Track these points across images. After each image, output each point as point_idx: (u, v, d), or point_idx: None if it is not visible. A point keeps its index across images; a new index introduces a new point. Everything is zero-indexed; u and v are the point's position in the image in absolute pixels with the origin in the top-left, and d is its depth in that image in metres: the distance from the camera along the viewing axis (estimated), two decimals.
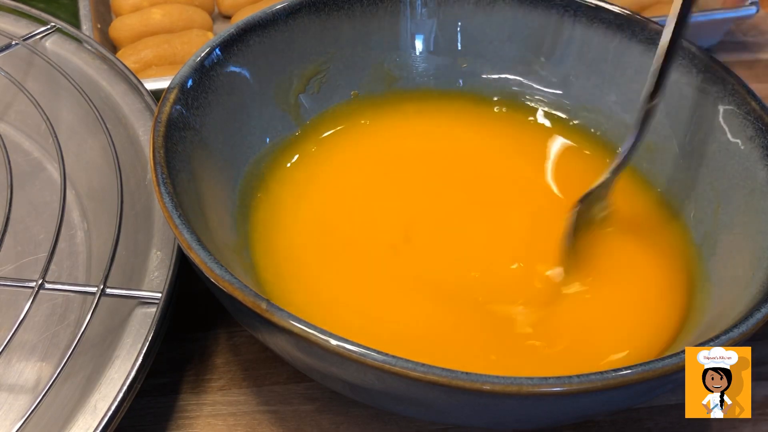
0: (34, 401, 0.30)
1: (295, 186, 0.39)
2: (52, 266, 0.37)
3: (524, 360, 0.33)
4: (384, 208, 0.39)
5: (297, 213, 0.38)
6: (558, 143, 0.43)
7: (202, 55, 0.37)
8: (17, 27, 0.47)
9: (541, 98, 0.44)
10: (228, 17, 0.61)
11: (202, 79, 0.36)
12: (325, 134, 0.42)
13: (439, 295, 0.35)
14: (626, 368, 0.25)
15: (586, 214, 0.37)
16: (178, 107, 0.35)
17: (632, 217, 0.39)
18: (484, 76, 0.45)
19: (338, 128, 0.42)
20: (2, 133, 0.42)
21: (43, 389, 0.31)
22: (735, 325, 0.28)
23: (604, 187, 0.37)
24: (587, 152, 0.42)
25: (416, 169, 0.41)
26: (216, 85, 0.37)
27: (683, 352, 0.26)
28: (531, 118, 0.44)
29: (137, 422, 0.35)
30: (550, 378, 0.25)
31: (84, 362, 0.33)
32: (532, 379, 0.25)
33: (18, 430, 0.30)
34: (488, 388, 0.25)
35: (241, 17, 0.51)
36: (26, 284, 0.34)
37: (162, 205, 0.30)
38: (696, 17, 0.55)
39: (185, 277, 0.35)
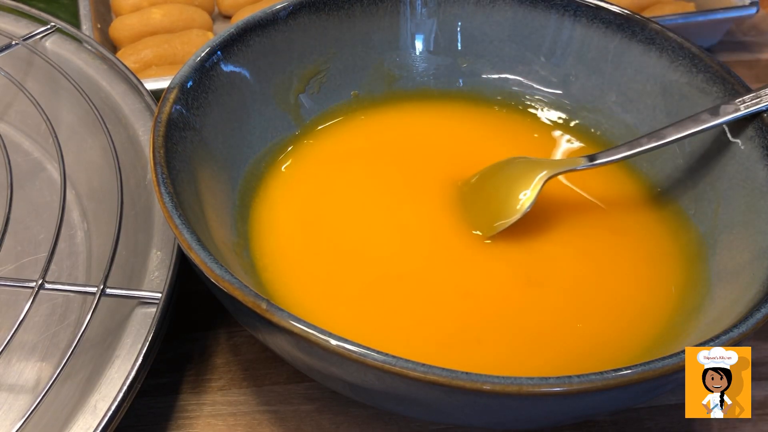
0: (34, 401, 0.30)
1: (294, 185, 0.39)
2: (52, 266, 0.37)
3: (525, 361, 0.33)
4: (383, 206, 0.39)
5: (297, 212, 0.38)
6: (558, 143, 0.43)
7: (202, 55, 0.37)
8: (17, 27, 0.47)
9: (541, 98, 0.44)
10: (228, 17, 0.61)
11: (202, 79, 0.36)
12: (322, 127, 0.42)
13: (439, 293, 0.35)
14: (626, 368, 0.25)
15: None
16: (178, 107, 0.35)
17: (632, 216, 0.39)
18: (484, 76, 0.45)
19: (337, 122, 0.43)
20: (2, 133, 0.42)
21: (43, 389, 0.31)
22: (735, 325, 0.28)
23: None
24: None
25: (416, 167, 0.41)
26: (216, 85, 0.37)
27: (683, 352, 0.26)
28: (531, 119, 0.44)
29: (137, 422, 0.35)
30: (550, 378, 0.25)
31: (84, 362, 0.33)
32: (532, 379, 0.25)
33: (18, 430, 0.30)
34: (488, 388, 0.25)
35: (241, 17, 0.51)
36: (26, 284, 0.34)
37: (162, 205, 0.30)
38: (696, 17, 0.55)
39: (185, 277, 0.35)
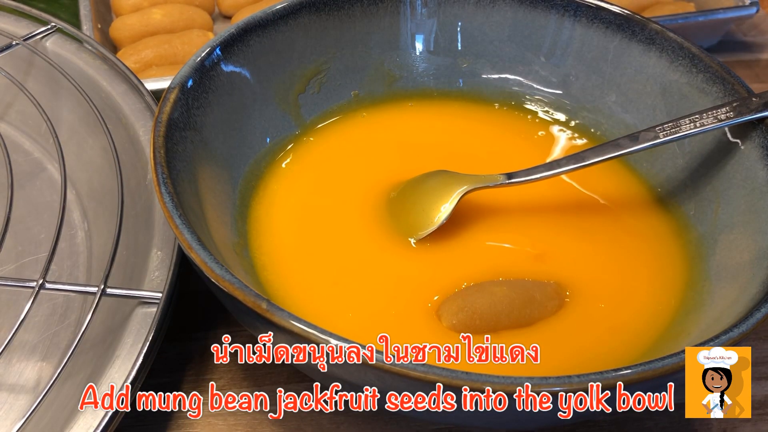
0: (35, 401, 0.31)
1: (294, 185, 0.39)
2: (53, 266, 0.38)
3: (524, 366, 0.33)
4: (384, 206, 0.39)
5: (297, 212, 0.38)
6: (558, 143, 0.43)
7: (203, 55, 0.37)
8: (18, 27, 0.47)
9: (541, 98, 0.44)
10: (228, 17, 0.61)
11: (203, 79, 0.36)
12: (323, 127, 0.42)
13: (440, 293, 0.35)
14: (626, 368, 0.26)
15: None
16: (178, 107, 0.35)
17: (632, 216, 0.39)
18: (484, 76, 0.45)
19: (337, 122, 0.43)
20: (3, 133, 0.42)
21: (44, 389, 0.31)
22: (735, 325, 0.28)
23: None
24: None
25: (416, 167, 0.41)
26: (216, 85, 0.37)
27: (683, 352, 0.26)
28: (531, 118, 0.44)
29: (137, 422, 0.35)
30: (550, 378, 0.25)
31: (84, 362, 0.33)
32: (532, 378, 0.25)
33: (18, 430, 0.30)
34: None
35: (241, 17, 0.51)
36: (27, 284, 0.34)
37: (162, 205, 0.30)
38: (696, 17, 0.55)
39: (185, 277, 0.35)
